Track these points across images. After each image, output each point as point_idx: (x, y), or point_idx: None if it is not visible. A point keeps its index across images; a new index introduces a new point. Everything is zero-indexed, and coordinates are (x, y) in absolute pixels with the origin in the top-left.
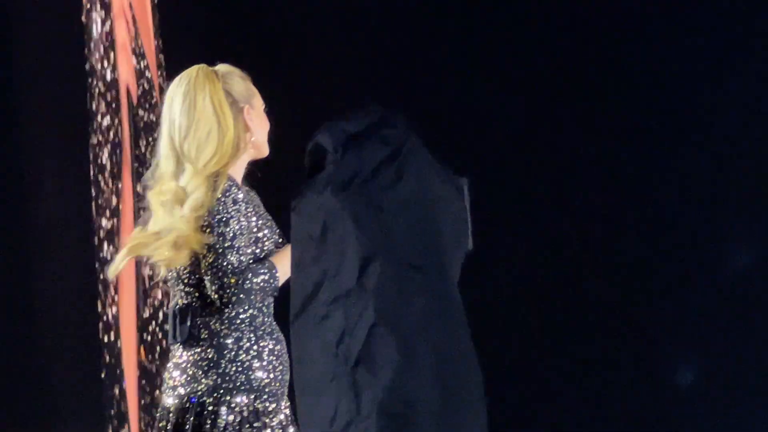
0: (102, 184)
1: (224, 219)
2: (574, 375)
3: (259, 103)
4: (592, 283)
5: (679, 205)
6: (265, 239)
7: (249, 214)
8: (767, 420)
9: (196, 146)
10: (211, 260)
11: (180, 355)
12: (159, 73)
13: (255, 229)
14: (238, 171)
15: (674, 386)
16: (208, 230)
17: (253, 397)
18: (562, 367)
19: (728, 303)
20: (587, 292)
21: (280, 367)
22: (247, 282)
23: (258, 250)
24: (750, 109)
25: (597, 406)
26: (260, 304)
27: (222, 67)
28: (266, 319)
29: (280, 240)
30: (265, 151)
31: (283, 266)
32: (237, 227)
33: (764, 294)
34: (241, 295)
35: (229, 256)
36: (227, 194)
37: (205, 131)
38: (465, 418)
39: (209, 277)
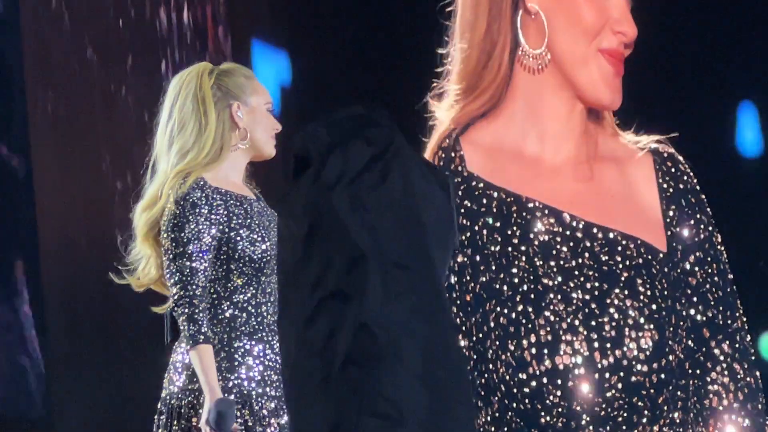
0: None
1: (179, 223)
2: None
3: (258, 101)
4: None
5: None
6: (239, 248)
7: (214, 220)
8: None
9: (178, 146)
10: (166, 264)
11: (169, 358)
12: None
13: (218, 236)
14: (231, 171)
15: None
16: (163, 234)
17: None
18: None
19: None
20: None
21: (259, 368)
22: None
23: (224, 257)
24: None
25: None
26: (245, 304)
27: (224, 65)
28: (251, 320)
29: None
30: (266, 152)
31: (205, 372)
32: (191, 232)
33: None
34: (186, 307)
35: (179, 261)
36: (188, 197)
37: (187, 130)
38: (454, 418)
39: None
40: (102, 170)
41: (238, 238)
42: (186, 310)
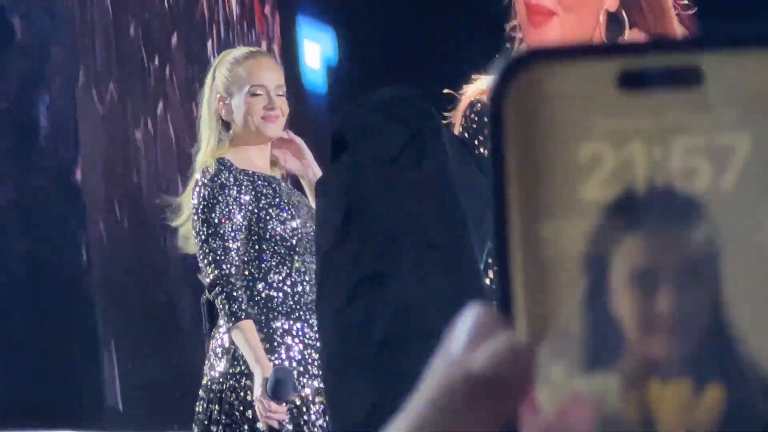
0: None
1: (210, 204)
2: None
3: (240, 89)
4: None
5: None
6: (269, 227)
7: (243, 201)
8: None
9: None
10: (198, 246)
11: (209, 345)
12: None
13: (248, 216)
14: (253, 155)
15: None
16: (193, 216)
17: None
18: None
19: None
20: None
21: (298, 347)
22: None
23: (255, 237)
24: None
25: None
26: (280, 284)
27: (229, 53)
28: (288, 300)
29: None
30: (265, 134)
31: (251, 347)
32: (221, 213)
33: None
34: (224, 286)
35: (212, 241)
36: (216, 179)
37: (201, 123)
38: None
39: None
40: (148, 150)
41: (268, 218)
42: (225, 289)
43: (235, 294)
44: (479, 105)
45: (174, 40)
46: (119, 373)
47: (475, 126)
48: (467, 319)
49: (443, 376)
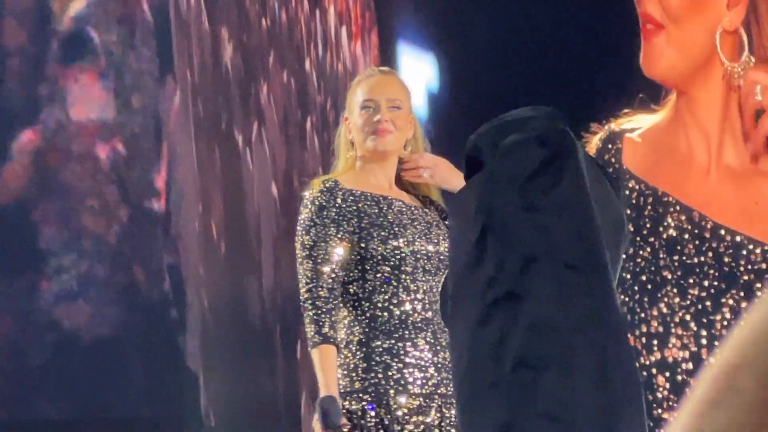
0: None
1: (307, 226)
2: None
3: (353, 107)
4: None
5: None
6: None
7: (342, 222)
8: None
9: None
10: (298, 267)
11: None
12: None
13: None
14: (369, 175)
15: None
16: (296, 237)
17: (358, 396)
18: None
19: None
20: None
21: (398, 366)
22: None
23: (358, 257)
24: None
25: None
26: (386, 303)
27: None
28: (392, 319)
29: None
30: (368, 149)
31: (323, 371)
32: (317, 235)
33: None
34: (309, 310)
35: (305, 264)
36: (315, 200)
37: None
38: (626, 420)
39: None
40: (242, 172)
41: (369, 238)
42: (309, 313)
43: (317, 318)
44: (608, 133)
45: (271, 59)
46: (210, 399)
47: (604, 153)
48: None
49: None
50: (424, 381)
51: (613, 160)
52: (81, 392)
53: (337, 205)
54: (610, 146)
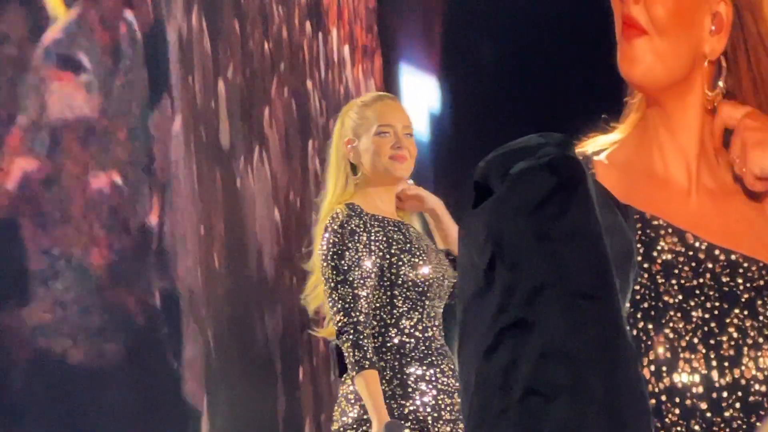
0: None
1: (339, 251)
2: None
3: (366, 131)
4: None
5: None
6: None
7: (373, 247)
8: None
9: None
10: (327, 293)
11: (339, 391)
12: None
13: (379, 263)
14: (378, 200)
15: None
16: (322, 263)
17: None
18: None
19: None
20: None
21: (432, 392)
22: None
23: (388, 283)
24: None
25: None
26: (412, 329)
27: (358, 99)
28: (420, 345)
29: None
30: (391, 175)
31: (372, 397)
32: (351, 259)
33: None
34: (350, 334)
35: (341, 289)
36: (346, 224)
37: (328, 172)
38: None
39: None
40: (248, 195)
41: (400, 263)
42: (351, 337)
43: (360, 342)
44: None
45: (274, 82)
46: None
47: None
48: None
49: None
50: (452, 407)
51: None
52: (68, 423)
53: (366, 230)
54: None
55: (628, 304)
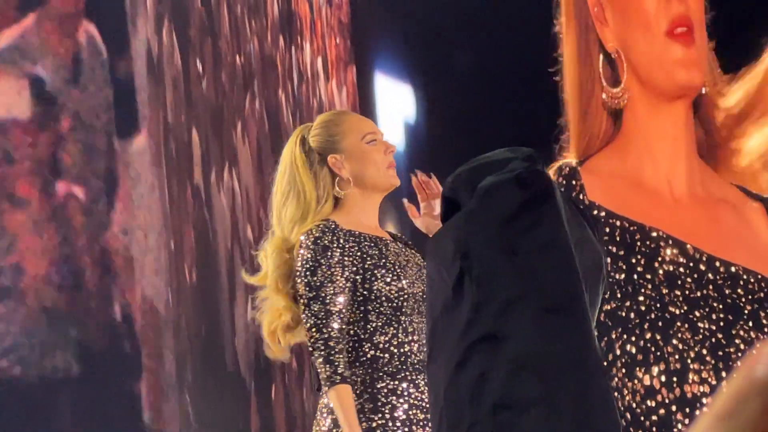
0: None
1: (312, 267)
2: None
3: (353, 142)
4: None
5: None
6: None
7: (347, 263)
8: None
9: (278, 214)
10: (301, 309)
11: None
12: None
13: (353, 278)
14: (361, 214)
15: None
16: (296, 279)
17: None
18: None
19: None
20: None
21: (403, 407)
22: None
23: (361, 298)
24: None
25: None
26: (386, 344)
27: (316, 121)
28: (393, 360)
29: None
30: (386, 184)
31: (344, 412)
32: (323, 275)
33: None
34: (321, 350)
35: (313, 305)
36: (319, 241)
37: (282, 199)
38: None
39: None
40: (218, 210)
41: (374, 279)
42: (322, 353)
43: (331, 358)
44: (567, 168)
45: (248, 96)
46: None
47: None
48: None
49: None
50: (426, 422)
51: (581, 196)
52: None
53: (340, 245)
54: (574, 182)
55: (633, 315)
